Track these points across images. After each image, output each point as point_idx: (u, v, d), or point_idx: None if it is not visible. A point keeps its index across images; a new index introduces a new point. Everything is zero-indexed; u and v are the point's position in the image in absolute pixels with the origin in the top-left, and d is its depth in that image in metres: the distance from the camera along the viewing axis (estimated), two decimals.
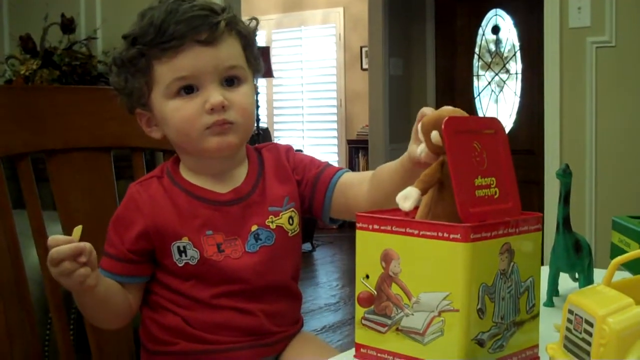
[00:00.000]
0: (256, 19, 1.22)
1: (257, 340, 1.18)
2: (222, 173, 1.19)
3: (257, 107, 5.53)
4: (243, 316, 1.17)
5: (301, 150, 6.91)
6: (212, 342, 1.16)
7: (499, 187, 0.84)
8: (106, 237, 1.18)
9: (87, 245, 1.02)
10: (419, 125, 0.89)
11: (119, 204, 1.21)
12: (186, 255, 1.14)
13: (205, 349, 1.16)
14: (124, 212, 1.18)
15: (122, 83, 1.16)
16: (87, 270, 1.03)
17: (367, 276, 0.85)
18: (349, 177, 1.22)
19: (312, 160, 1.26)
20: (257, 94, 1.16)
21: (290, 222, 1.21)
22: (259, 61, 1.22)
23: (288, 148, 1.27)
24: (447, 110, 0.88)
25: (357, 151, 7.02)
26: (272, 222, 1.19)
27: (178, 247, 1.15)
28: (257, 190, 1.20)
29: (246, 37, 1.18)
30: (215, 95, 1.11)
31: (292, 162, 1.24)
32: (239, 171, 1.21)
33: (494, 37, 5.47)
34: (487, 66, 5.53)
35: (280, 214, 1.20)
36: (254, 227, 1.17)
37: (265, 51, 6.56)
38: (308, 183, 1.23)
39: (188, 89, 1.12)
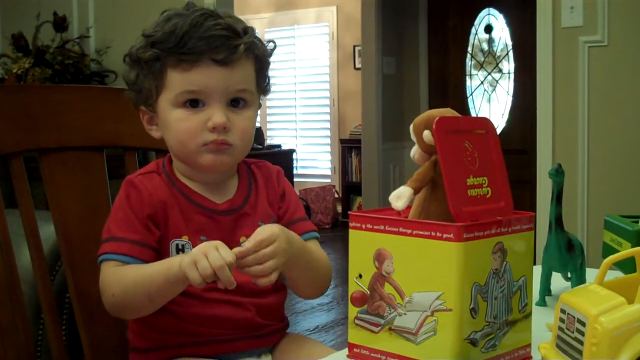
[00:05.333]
0: (274, 42, 1.23)
1: (250, 332, 1.19)
2: (214, 183, 1.21)
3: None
4: (235, 309, 1.17)
5: (294, 151, 6.91)
6: (205, 334, 1.17)
7: (491, 186, 0.84)
8: (115, 224, 1.14)
9: None
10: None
11: (116, 198, 1.18)
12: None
13: (199, 341, 1.17)
14: (131, 195, 1.15)
15: (132, 78, 1.18)
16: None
17: (360, 276, 0.85)
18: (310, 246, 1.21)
19: (298, 202, 1.27)
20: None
21: None
22: (269, 83, 1.23)
23: (278, 170, 1.29)
24: (438, 110, 0.89)
25: (350, 150, 7.02)
26: None
27: (177, 245, 1.15)
28: (249, 203, 1.22)
29: (261, 61, 1.20)
30: (219, 115, 1.13)
31: (282, 188, 1.26)
32: (230, 183, 1.23)
33: (487, 36, 5.47)
34: (480, 65, 5.53)
35: None
36: (242, 239, 1.18)
37: None
38: (282, 221, 1.22)
39: (194, 103, 1.14)
